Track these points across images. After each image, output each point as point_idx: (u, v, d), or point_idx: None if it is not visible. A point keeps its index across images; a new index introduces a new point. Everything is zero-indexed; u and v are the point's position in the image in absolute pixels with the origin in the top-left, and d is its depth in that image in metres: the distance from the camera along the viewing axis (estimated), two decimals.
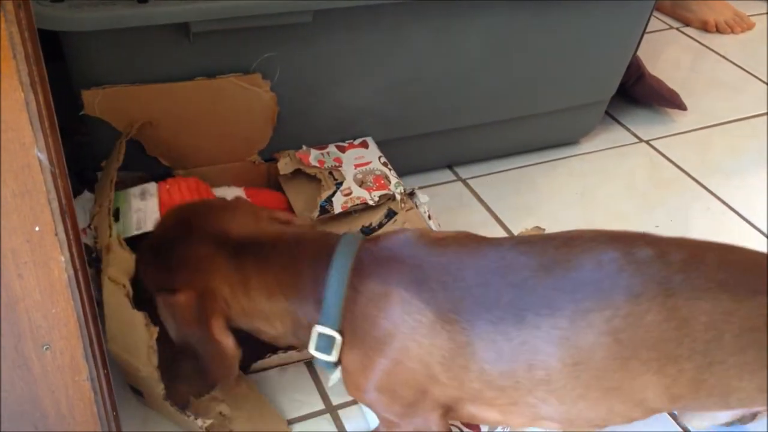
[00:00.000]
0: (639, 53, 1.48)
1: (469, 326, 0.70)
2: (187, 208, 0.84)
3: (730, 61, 1.77)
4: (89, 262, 0.90)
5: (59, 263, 0.59)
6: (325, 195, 1.12)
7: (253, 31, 1.06)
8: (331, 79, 1.16)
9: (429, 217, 1.13)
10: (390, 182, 1.16)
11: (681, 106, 1.55)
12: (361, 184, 1.16)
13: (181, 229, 0.79)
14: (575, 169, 1.41)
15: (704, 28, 1.89)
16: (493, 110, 1.31)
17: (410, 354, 0.71)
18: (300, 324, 0.76)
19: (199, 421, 0.88)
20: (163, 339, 0.83)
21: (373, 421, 0.94)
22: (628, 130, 1.52)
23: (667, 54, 1.78)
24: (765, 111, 1.60)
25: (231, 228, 0.77)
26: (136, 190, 1.06)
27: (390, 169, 1.18)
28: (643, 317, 0.67)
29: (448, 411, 0.76)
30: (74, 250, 0.60)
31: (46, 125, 0.55)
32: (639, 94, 1.53)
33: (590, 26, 1.27)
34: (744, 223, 1.30)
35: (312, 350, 0.75)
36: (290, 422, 0.95)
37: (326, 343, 0.74)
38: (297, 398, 0.98)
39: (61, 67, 1.05)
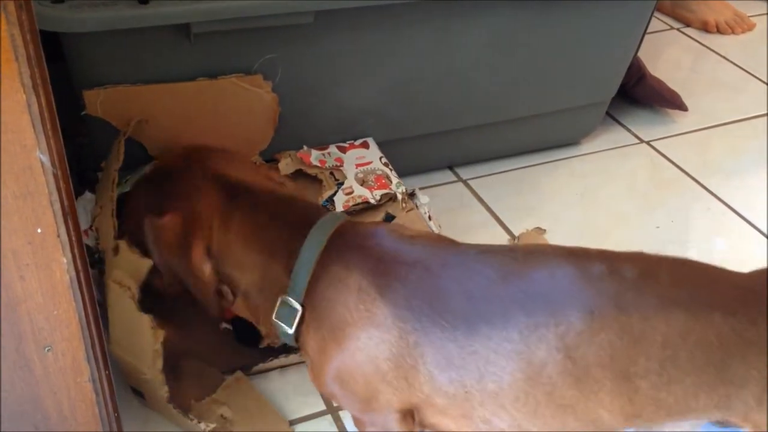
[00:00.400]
0: (640, 54, 1.48)
1: (420, 327, 0.69)
2: (190, 147, 0.85)
3: (731, 62, 1.77)
4: (92, 264, 0.91)
5: (61, 265, 0.59)
6: (326, 195, 1.12)
7: (255, 31, 1.06)
8: (333, 80, 1.16)
9: (429, 218, 1.13)
10: (391, 182, 1.16)
11: (682, 107, 1.55)
12: (363, 183, 1.16)
13: (180, 163, 0.80)
14: (576, 169, 1.41)
15: (705, 28, 1.89)
16: (494, 111, 1.31)
17: (359, 345, 0.71)
18: (266, 284, 0.76)
19: (202, 425, 0.88)
20: (167, 341, 0.83)
21: None
22: (629, 130, 1.52)
23: (668, 54, 1.78)
24: (765, 111, 1.60)
25: (229, 171, 0.79)
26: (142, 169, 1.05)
27: (391, 170, 1.18)
28: (596, 334, 0.66)
29: (408, 415, 0.75)
30: (76, 251, 0.60)
31: (48, 127, 0.55)
32: (640, 94, 1.53)
33: (591, 27, 1.27)
34: (744, 223, 1.30)
35: (273, 317, 0.75)
36: (291, 423, 0.95)
37: (288, 313, 0.74)
38: (298, 399, 0.98)
39: (62, 68, 1.05)
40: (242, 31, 1.05)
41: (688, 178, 1.40)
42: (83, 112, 1.06)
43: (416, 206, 1.14)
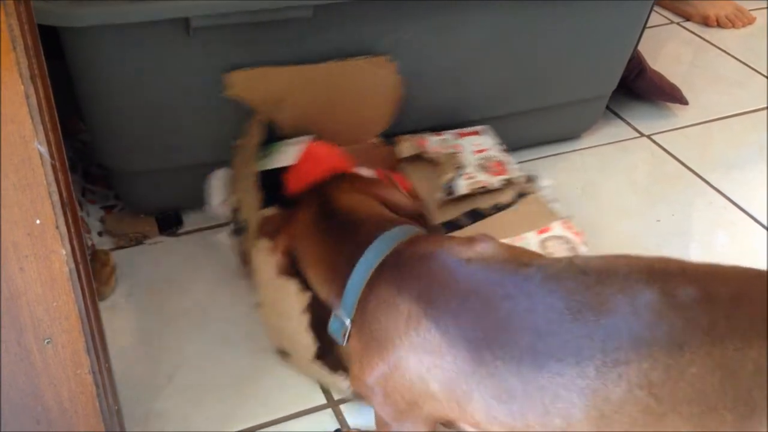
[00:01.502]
0: (640, 48, 1.47)
1: (479, 358, 0.66)
2: (328, 175, 0.94)
3: (731, 56, 1.76)
4: (235, 232, 1.04)
5: (60, 256, 0.59)
6: (446, 178, 1.14)
7: (254, 26, 1.05)
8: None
9: (549, 202, 1.14)
10: (509, 168, 1.17)
11: (682, 101, 1.55)
12: (484, 169, 1.17)
13: (308, 189, 0.92)
14: (577, 163, 1.41)
15: (705, 22, 1.88)
16: (495, 105, 1.31)
17: (409, 366, 0.70)
18: (330, 298, 0.82)
19: (348, 382, 0.91)
20: (315, 304, 0.88)
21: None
22: (630, 124, 1.51)
23: (668, 49, 1.78)
24: (766, 105, 1.59)
25: (335, 195, 0.87)
26: (292, 140, 1.11)
27: (509, 156, 1.20)
28: (685, 370, 0.61)
29: (437, 423, 0.75)
30: (75, 243, 0.60)
31: (46, 118, 0.55)
32: (640, 88, 1.53)
33: (591, 21, 1.27)
34: (745, 216, 1.30)
35: (329, 329, 0.81)
36: (292, 417, 0.95)
37: (338, 327, 0.79)
38: (298, 393, 0.98)
39: (62, 65, 1.05)
40: (241, 25, 1.05)
41: (689, 172, 1.39)
42: (221, 93, 1.09)
43: (537, 191, 1.15)
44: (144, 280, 1.13)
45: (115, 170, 1.20)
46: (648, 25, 1.43)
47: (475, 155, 1.19)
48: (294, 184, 1.01)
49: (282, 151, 1.09)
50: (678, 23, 1.90)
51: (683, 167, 1.40)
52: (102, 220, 1.21)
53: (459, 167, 1.16)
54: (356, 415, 0.95)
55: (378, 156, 1.19)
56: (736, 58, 1.75)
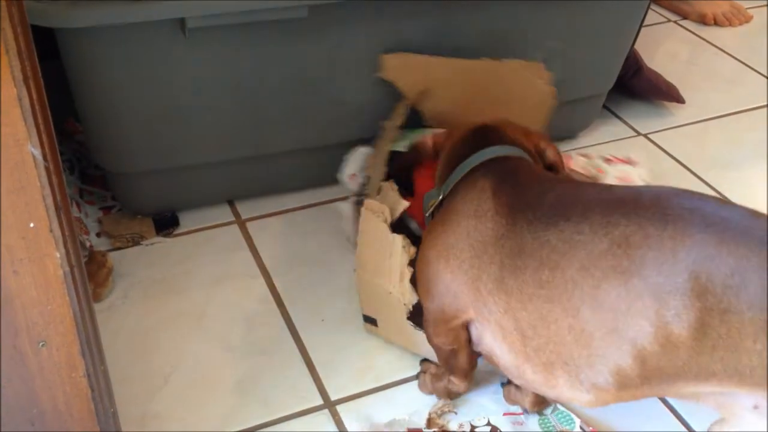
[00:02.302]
0: (637, 46, 1.47)
1: (512, 222, 0.81)
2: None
3: (728, 54, 1.76)
4: (358, 202, 1.09)
5: (54, 259, 0.59)
6: None
7: (250, 26, 1.05)
8: (329, 74, 1.16)
9: None
10: None
11: (679, 100, 1.55)
12: None
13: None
14: None
15: (702, 20, 1.88)
16: None
17: (459, 228, 0.84)
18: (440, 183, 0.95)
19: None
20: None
21: (373, 415, 0.95)
22: (627, 123, 1.51)
23: (665, 47, 1.78)
24: (763, 103, 1.59)
25: (496, 122, 0.97)
26: (429, 131, 1.15)
27: None
28: (663, 244, 0.71)
29: (461, 321, 0.86)
30: (69, 246, 0.60)
31: (39, 121, 0.55)
32: (637, 87, 1.53)
33: (588, 20, 1.27)
34: None
35: (424, 199, 0.96)
36: (288, 418, 0.95)
37: (430, 197, 0.95)
38: (295, 394, 0.98)
39: (58, 64, 1.05)
40: (238, 25, 1.05)
41: (686, 171, 1.39)
42: (376, 74, 1.12)
43: None
44: (141, 281, 1.13)
45: (111, 171, 1.20)
46: (645, 24, 1.43)
47: (616, 182, 1.20)
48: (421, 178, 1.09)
49: (415, 137, 1.13)
50: (675, 21, 1.90)
51: (680, 166, 1.40)
52: (99, 221, 1.21)
53: None
54: (353, 417, 0.95)
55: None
56: (733, 57, 1.75)
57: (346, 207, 1.16)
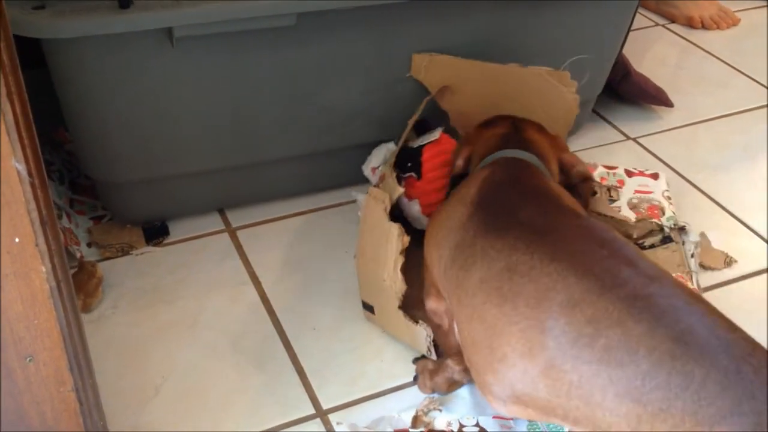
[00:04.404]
0: (625, 51, 1.48)
1: (473, 215, 0.84)
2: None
3: (716, 58, 1.77)
4: None
5: (40, 274, 0.59)
6: (598, 208, 1.15)
7: (238, 34, 1.05)
8: (319, 82, 1.16)
9: (692, 256, 1.15)
10: (664, 214, 1.18)
11: (667, 103, 1.55)
12: (633, 208, 1.21)
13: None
14: None
15: (690, 24, 1.89)
16: None
17: (446, 212, 0.89)
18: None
19: (426, 331, 0.96)
20: (409, 259, 0.96)
21: (367, 420, 0.94)
22: (616, 127, 1.52)
23: (654, 51, 1.78)
24: (751, 106, 1.60)
25: (523, 123, 1.02)
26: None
27: (671, 204, 1.20)
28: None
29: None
30: (56, 260, 0.60)
31: (23, 135, 0.55)
32: (626, 91, 1.53)
33: (575, 24, 1.27)
34: (731, 218, 1.30)
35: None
36: (280, 427, 0.95)
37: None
38: (287, 403, 0.98)
39: (46, 72, 1.05)
40: (225, 34, 1.05)
41: (675, 174, 1.40)
42: (408, 74, 1.16)
43: (683, 242, 1.16)
44: (130, 291, 1.12)
45: (100, 181, 1.20)
46: (633, 28, 1.44)
47: (634, 194, 1.22)
48: (428, 157, 1.14)
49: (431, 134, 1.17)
50: (663, 25, 1.91)
51: (669, 169, 1.41)
52: (89, 231, 1.21)
53: (612, 199, 1.18)
54: (344, 424, 0.95)
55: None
56: (721, 60, 1.76)
57: (363, 198, 1.17)
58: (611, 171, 1.30)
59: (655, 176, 1.30)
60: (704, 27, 1.88)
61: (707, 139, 1.50)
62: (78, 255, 1.13)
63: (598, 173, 1.25)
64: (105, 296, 1.11)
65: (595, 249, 0.75)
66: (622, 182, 1.26)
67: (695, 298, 0.70)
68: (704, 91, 1.64)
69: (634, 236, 1.18)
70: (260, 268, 1.17)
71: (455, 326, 0.87)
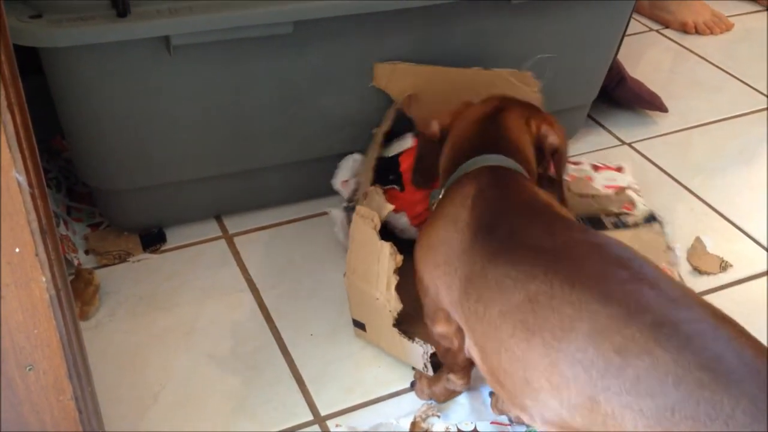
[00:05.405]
0: (620, 56, 1.49)
1: (473, 242, 0.82)
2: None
3: (710, 63, 1.78)
4: (349, 208, 1.13)
5: (40, 284, 0.59)
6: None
7: (236, 42, 1.06)
8: (315, 89, 1.16)
9: (668, 248, 1.15)
10: (635, 206, 1.19)
11: (662, 108, 1.56)
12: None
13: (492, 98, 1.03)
14: None
15: (684, 29, 1.90)
16: None
17: (438, 229, 0.88)
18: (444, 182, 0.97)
19: (423, 348, 0.95)
20: (403, 282, 0.96)
21: (365, 426, 0.95)
22: (611, 132, 1.53)
23: (648, 56, 1.79)
24: (745, 111, 1.61)
25: (503, 112, 0.97)
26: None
27: (640, 196, 1.21)
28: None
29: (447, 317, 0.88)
30: (55, 270, 0.60)
31: (24, 146, 0.55)
32: (620, 97, 1.54)
33: (570, 31, 1.28)
34: (726, 222, 1.31)
35: (431, 197, 0.97)
36: None
37: (434, 195, 0.96)
38: (285, 409, 0.98)
39: (44, 80, 1.05)
40: (222, 42, 1.05)
41: (670, 179, 1.41)
42: (370, 84, 1.15)
43: (663, 233, 1.17)
44: (128, 298, 1.12)
45: (97, 188, 1.20)
46: (627, 33, 1.45)
47: (604, 189, 1.22)
48: (406, 168, 1.13)
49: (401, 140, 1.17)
50: (657, 31, 1.92)
51: (664, 174, 1.42)
52: (86, 239, 1.21)
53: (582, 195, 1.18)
54: (344, 428, 0.95)
55: None
56: (714, 65, 1.77)
57: (338, 213, 1.17)
58: (577, 167, 1.27)
59: (620, 169, 1.30)
60: (698, 32, 1.90)
61: (702, 143, 1.51)
62: (75, 263, 1.13)
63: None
64: (102, 303, 1.11)
65: (614, 270, 0.74)
66: (590, 178, 1.25)
67: (722, 321, 0.70)
68: (698, 96, 1.65)
69: (615, 210, 1.19)
70: (257, 275, 1.17)
71: (472, 347, 0.85)
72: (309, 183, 1.29)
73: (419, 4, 1.11)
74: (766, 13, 2.02)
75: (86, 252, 1.19)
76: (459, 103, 1.02)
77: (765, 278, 1.21)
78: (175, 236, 1.23)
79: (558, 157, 0.97)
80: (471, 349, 0.85)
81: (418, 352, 0.97)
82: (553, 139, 0.97)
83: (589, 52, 1.33)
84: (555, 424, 0.75)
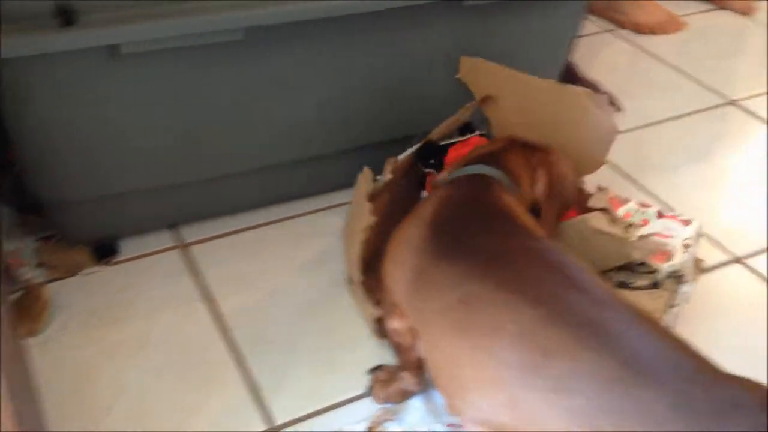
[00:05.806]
0: (574, 56, 1.50)
1: (429, 239, 0.84)
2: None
3: (664, 62, 1.81)
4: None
5: None
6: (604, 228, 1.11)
7: (186, 50, 1.04)
8: (269, 96, 1.16)
9: (671, 307, 1.09)
10: (670, 260, 1.13)
11: (617, 108, 1.58)
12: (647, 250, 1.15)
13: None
14: None
15: (637, 30, 1.93)
16: (435, 119, 1.31)
17: (404, 230, 0.90)
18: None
19: (372, 310, 1.04)
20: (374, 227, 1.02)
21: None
22: None
23: (603, 57, 1.81)
24: (697, 108, 1.64)
25: (504, 152, 0.99)
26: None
27: (685, 252, 1.13)
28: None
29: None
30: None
31: None
32: None
33: (522, 32, 1.29)
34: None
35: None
36: (280, 428, 0.95)
37: None
38: (238, 423, 0.97)
39: None
40: (172, 49, 1.04)
41: (624, 177, 1.42)
42: (457, 75, 1.22)
43: (674, 291, 1.11)
44: (80, 311, 1.10)
45: (48, 200, 1.18)
46: (582, 34, 1.46)
47: (654, 237, 1.16)
48: (450, 159, 1.18)
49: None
50: (611, 31, 1.94)
51: (618, 172, 1.43)
52: (37, 252, 1.19)
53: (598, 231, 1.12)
54: None
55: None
56: (669, 64, 1.80)
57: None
58: (643, 209, 1.22)
59: (686, 222, 1.21)
60: (652, 32, 1.92)
61: (655, 141, 1.53)
62: (24, 277, 1.11)
63: (625, 209, 1.20)
64: (54, 317, 1.09)
65: (544, 274, 0.75)
66: (646, 221, 1.20)
67: (644, 321, 0.71)
68: (652, 95, 1.67)
69: (636, 257, 1.12)
70: (214, 284, 1.16)
71: (421, 345, 0.86)
72: (265, 190, 1.28)
73: (371, 9, 1.11)
74: (718, 11, 2.05)
75: (37, 265, 1.17)
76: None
77: (719, 271, 1.23)
78: (129, 247, 1.21)
79: (552, 186, 0.98)
80: (420, 348, 0.86)
81: (370, 311, 1.04)
82: (540, 186, 0.97)
83: (541, 53, 1.34)
84: (484, 424, 0.75)
